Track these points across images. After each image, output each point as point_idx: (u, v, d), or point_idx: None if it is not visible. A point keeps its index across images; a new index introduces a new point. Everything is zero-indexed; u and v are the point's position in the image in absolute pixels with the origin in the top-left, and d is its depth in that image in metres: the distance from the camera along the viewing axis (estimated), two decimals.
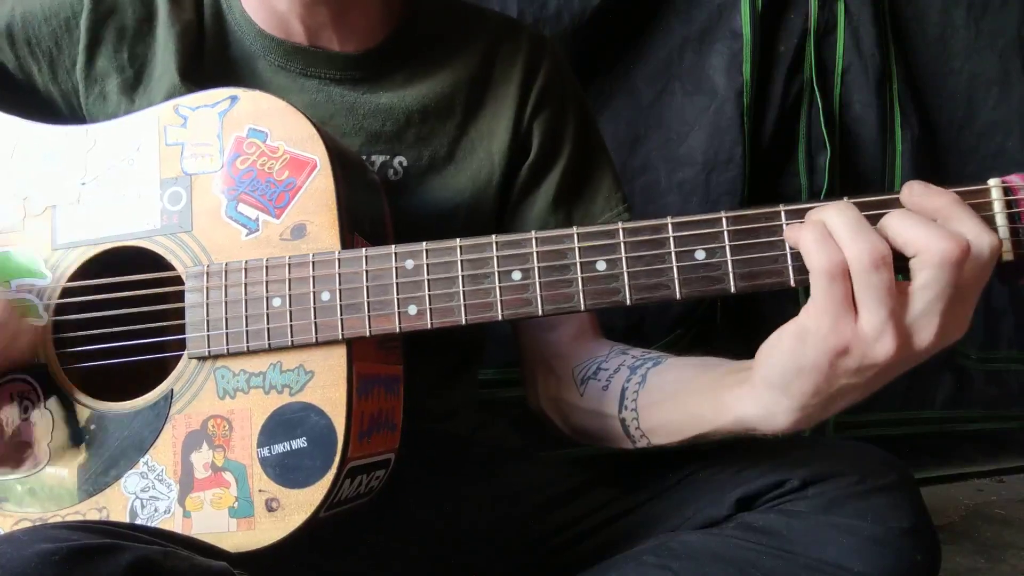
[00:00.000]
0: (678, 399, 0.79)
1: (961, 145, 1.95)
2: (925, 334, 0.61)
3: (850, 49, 1.82)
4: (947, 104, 1.94)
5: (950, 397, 1.98)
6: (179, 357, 0.75)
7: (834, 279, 0.61)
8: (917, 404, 1.96)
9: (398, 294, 0.71)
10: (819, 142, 1.81)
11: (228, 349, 0.73)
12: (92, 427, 0.75)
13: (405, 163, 0.93)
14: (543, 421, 0.99)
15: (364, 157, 0.91)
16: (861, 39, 1.82)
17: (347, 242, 0.74)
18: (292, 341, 0.72)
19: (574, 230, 0.69)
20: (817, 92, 1.79)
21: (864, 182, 1.84)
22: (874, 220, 0.63)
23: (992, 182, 0.63)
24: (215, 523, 0.71)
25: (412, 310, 0.70)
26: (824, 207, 0.64)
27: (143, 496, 0.73)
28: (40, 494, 0.75)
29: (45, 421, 0.76)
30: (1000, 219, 0.63)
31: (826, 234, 0.62)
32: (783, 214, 0.65)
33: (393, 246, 0.72)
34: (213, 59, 0.90)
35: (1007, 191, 0.63)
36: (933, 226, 0.61)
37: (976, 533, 1.65)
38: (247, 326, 0.73)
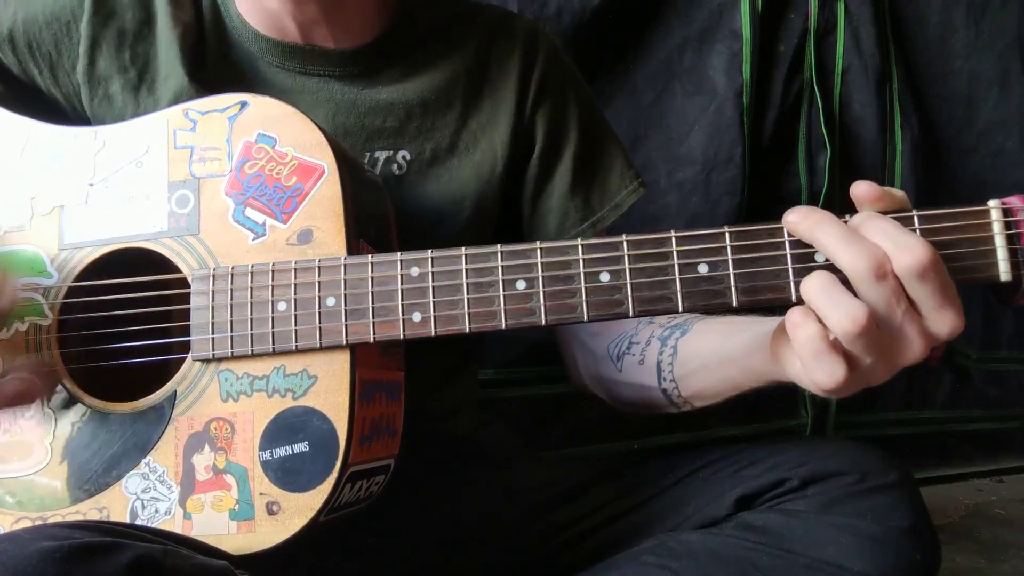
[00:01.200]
0: (711, 369, 0.81)
1: (961, 145, 1.95)
2: (911, 351, 0.62)
3: (850, 49, 1.81)
4: (947, 104, 1.93)
5: (950, 397, 1.98)
6: (183, 359, 0.75)
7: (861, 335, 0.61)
8: (917, 404, 1.96)
9: (403, 301, 0.71)
10: (819, 142, 1.80)
11: (232, 352, 0.73)
12: (95, 427, 0.75)
13: (409, 157, 0.93)
14: (588, 398, 1.00)
15: (368, 153, 0.92)
16: (861, 39, 1.81)
17: (353, 248, 0.74)
18: (296, 345, 0.72)
19: (578, 241, 0.69)
20: (817, 92, 1.79)
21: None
22: None
23: (992, 204, 0.64)
24: (215, 525, 0.71)
25: (416, 317, 0.71)
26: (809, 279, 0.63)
27: (144, 497, 0.73)
28: (41, 493, 0.75)
29: (48, 420, 0.76)
30: (999, 240, 0.63)
31: (841, 292, 0.61)
32: (789, 232, 0.65)
33: (399, 253, 0.72)
34: (216, 61, 0.91)
35: (1006, 212, 0.63)
36: (850, 241, 0.61)
37: (976, 533, 1.65)
38: (252, 329, 0.73)
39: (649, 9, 1.71)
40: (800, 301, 0.64)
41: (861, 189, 0.64)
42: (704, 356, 0.82)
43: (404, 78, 0.94)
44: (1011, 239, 0.63)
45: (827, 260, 0.63)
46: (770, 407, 1.83)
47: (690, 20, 1.73)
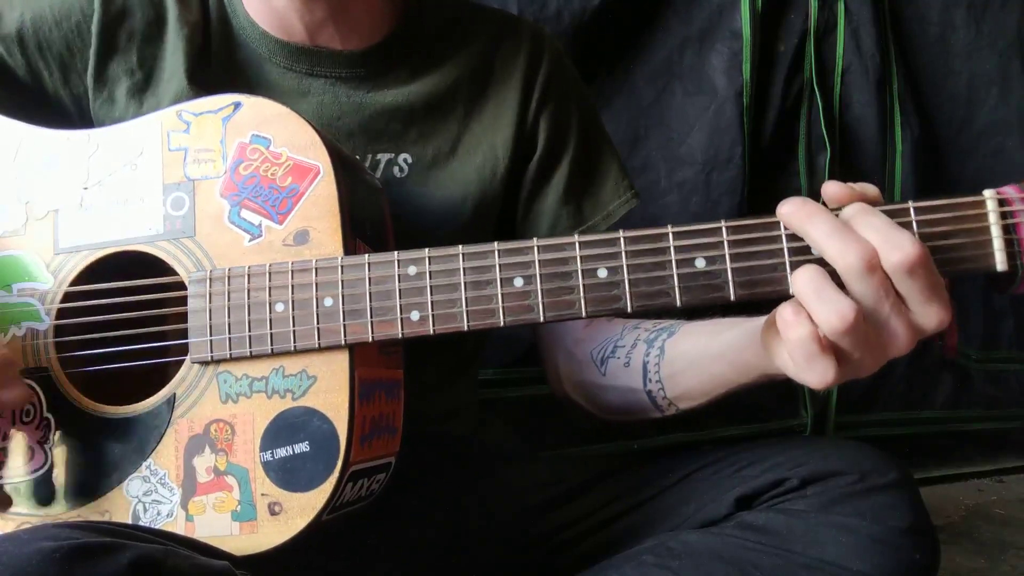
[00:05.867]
0: (700, 366, 0.80)
1: (961, 145, 1.95)
2: (897, 344, 0.62)
3: (850, 49, 1.82)
4: (947, 104, 1.94)
5: (950, 397, 1.98)
6: (182, 362, 0.75)
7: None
8: (917, 404, 1.96)
9: (401, 300, 0.71)
10: (819, 142, 1.81)
11: (231, 354, 0.73)
12: (94, 431, 0.75)
13: (410, 160, 0.93)
14: (570, 407, 0.99)
15: (369, 156, 0.92)
16: (861, 39, 1.82)
17: (350, 248, 0.74)
18: (295, 346, 0.72)
19: (575, 237, 0.68)
20: (817, 92, 1.79)
21: (864, 182, 1.84)
22: None
23: (987, 193, 0.63)
24: (218, 527, 0.71)
25: (415, 316, 0.70)
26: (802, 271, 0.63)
27: (145, 500, 0.73)
28: (41, 497, 0.75)
29: (47, 425, 0.76)
30: (995, 230, 0.63)
31: (830, 289, 0.61)
32: (783, 224, 0.65)
33: (396, 252, 0.72)
34: (220, 62, 0.90)
35: (1002, 203, 0.63)
36: (840, 235, 0.61)
37: (976, 533, 1.65)
38: (250, 331, 0.73)
39: (649, 9, 1.72)
40: None
41: (831, 190, 0.65)
42: (692, 355, 0.82)
43: (410, 80, 0.94)
44: (1007, 229, 0.63)
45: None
46: (770, 407, 1.83)
47: (690, 20, 1.73)
